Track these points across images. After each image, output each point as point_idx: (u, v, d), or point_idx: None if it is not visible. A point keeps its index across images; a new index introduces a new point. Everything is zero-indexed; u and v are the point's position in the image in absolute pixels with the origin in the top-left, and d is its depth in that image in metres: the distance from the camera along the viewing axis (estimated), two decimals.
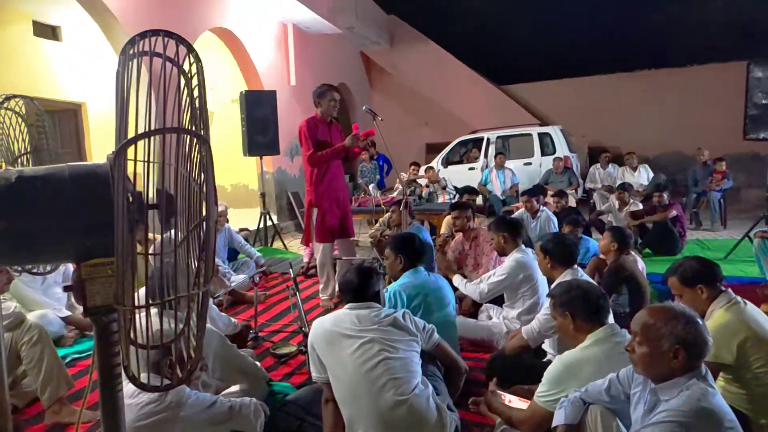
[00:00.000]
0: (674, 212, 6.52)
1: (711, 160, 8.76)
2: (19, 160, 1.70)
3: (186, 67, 0.92)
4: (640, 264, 4.35)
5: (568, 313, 2.28)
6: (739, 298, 2.42)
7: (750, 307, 2.39)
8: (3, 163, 1.70)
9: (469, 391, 2.85)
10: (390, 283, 3.81)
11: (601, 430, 1.89)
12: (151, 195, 0.96)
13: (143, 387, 0.88)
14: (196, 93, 0.88)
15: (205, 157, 0.84)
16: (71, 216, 0.86)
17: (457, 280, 3.90)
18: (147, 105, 0.85)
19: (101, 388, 0.92)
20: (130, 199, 0.88)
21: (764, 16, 11.49)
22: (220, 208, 5.35)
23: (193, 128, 0.84)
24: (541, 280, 3.57)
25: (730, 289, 2.46)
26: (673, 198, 6.90)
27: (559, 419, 1.97)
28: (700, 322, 1.69)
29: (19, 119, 1.71)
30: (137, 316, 0.89)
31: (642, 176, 9.25)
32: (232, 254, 5.78)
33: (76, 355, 3.65)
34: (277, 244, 7.76)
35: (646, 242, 6.57)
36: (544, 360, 3.08)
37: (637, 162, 9.38)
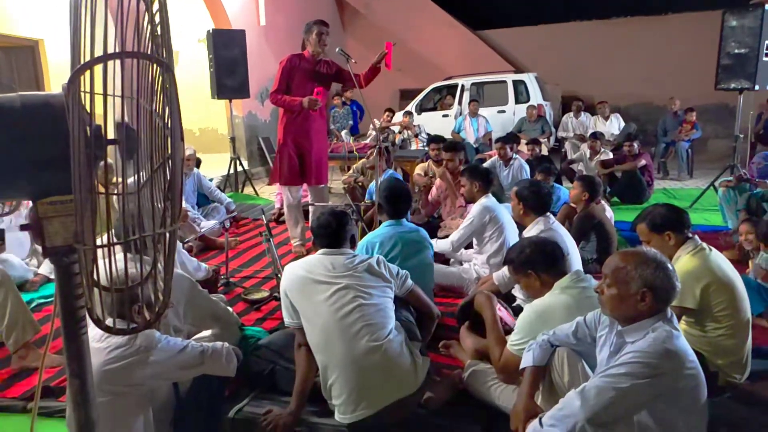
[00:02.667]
0: (643, 161, 6.61)
1: (681, 110, 8.85)
2: None
3: None
4: (609, 212, 4.43)
5: (531, 272, 2.32)
6: (705, 244, 2.47)
7: (714, 253, 2.46)
8: None
9: (441, 335, 2.90)
10: (363, 230, 3.82)
11: (567, 371, 1.95)
12: (111, 129, 0.90)
13: (109, 330, 0.84)
14: (157, 18, 0.81)
15: (170, 88, 0.78)
16: (24, 149, 0.79)
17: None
18: (104, 29, 0.78)
19: (64, 332, 0.88)
20: (88, 132, 0.82)
21: None
22: (187, 152, 5.19)
23: (156, 54, 0.78)
24: (508, 222, 3.62)
25: (696, 236, 2.52)
26: (642, 147, 6.98)
27: (527, 361, 2.01)
28: (670, 267, 1.72)
29: None
30: (100, 257, 0.84)
31: (613, 126, 9.31)
32: (202, 200, 5.68)
33: (42, 300, 3.59)
34: (248, 190, 7.66)
35: (614, 191, 6.68)
36: (514, 305, 3.14)
37: (609, 111, 9.41)
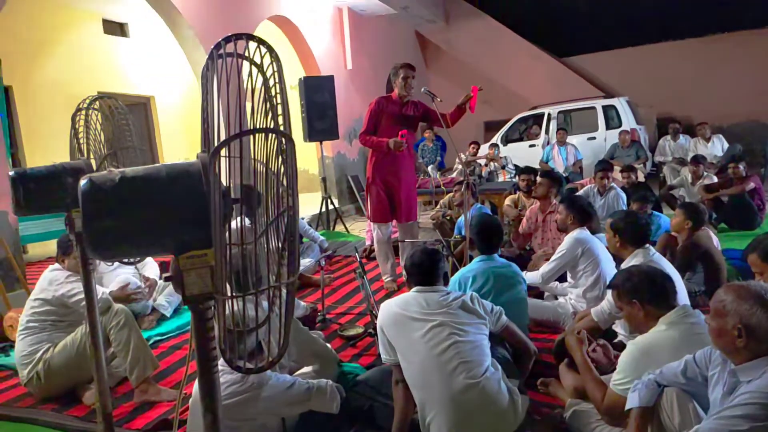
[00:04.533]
0: (752, 184, 6.18)
1: None
2: (107, 159, 1.82)
3: (265, 66, 0.96)
4: (715, 240, 4.18)
5: (635, 301, 2.23)
6: None
7: None
8: (94, 163, 1.82)
9: (538, 373, 2.84)
10: (454, 265, 3.84)
11: (677, 411, 1.86)
12: (233, 190, 1.02)
13: (239, 369, 0.94)
14: (277, 91, 0.93)
15: (289, 153, 0.88)
16: (169, 212, 0.92)
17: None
18: (236, 105, 0.91)
19: (200, 370, 0.99)
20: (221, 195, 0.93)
21: None
22: None
23: (279, 127, 0.88)
24: (603, 255, 3.51)
25: None
26: (750, 169, 6.53)
27: (633, 402, 1.94)
28: None
29: (105, 118, 1.83)
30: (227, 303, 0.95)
31: (716, 147, 8.78)
32: None
33: (158, 338, 3.88)
34: (339, 228, 7.90)
35: (721, 217, 6.28)
36: (615, 341, 3.02)
37: (710, 132, 8.89)
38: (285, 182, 0.93)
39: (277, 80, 0.95)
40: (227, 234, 1.03)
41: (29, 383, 3.00)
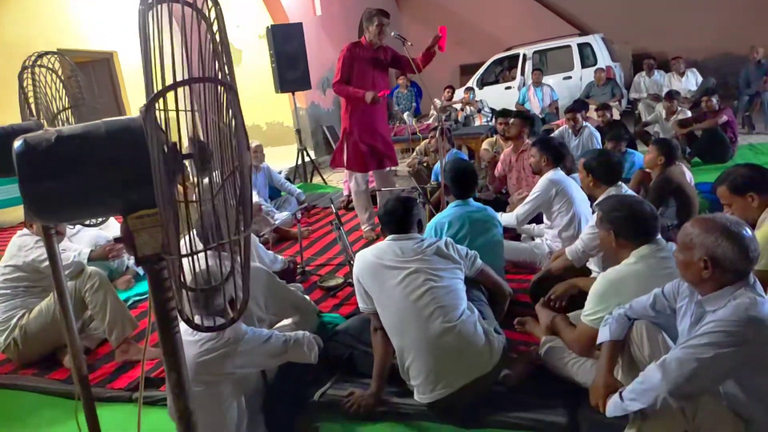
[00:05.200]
0: (725, 117, 6.22)
1: (765, 58, 8.21)
2: (59, 117, 1.74)
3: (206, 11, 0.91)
4: (688, 175, 4.22)
5: (611, 231, 2.25)
6: None
7: None
8: (45, 123, 1.74)
9: (514, 312, 2.90)
10: (431, 212, 3.85)
11: (647, 344, 1.91)
12: (185, 144, 0.97)
13: (197, 328, 0.92)
14: (218, 38, 0.87)
15: (233, 105, 0.84)
16: (111, 171, 0.88)
17: None
18: (171, 54, 0.85)
19: (160, 331, 0.97)
20: (166, 150, 0.89)
21: None
22: (253, 144, 5.39)
23: (219, 75, 0.84)
24: (578, 194, 3.53)
25: None
26: (723, 102, 6.55)
27: (604, 336, 1.99)
28: (744, 234, 1.63)
29: (53, 75, 1.74)
30: (185, 260, 0.92)
31: (690, 81, 8.78)
32: (274, 192, 5.88)
33: (137, 298, 3.85)
34: (316, 179, 7.84)
35: (694, 151, 6.34)
36: (591, 276, 3.08)
37: (685, 67, 8.87)
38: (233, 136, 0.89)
39: (219, 26, 0.90)
40: (180, 191, 0.99)
41: (7, 350, 2.98)
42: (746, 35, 9.73)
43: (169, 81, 0.84)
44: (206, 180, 0.97)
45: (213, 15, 0.89)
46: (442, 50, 4.24)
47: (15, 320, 2.95)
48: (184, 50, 0.91)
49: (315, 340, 2.25)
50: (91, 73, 8.59)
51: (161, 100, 0.85)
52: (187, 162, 0.96)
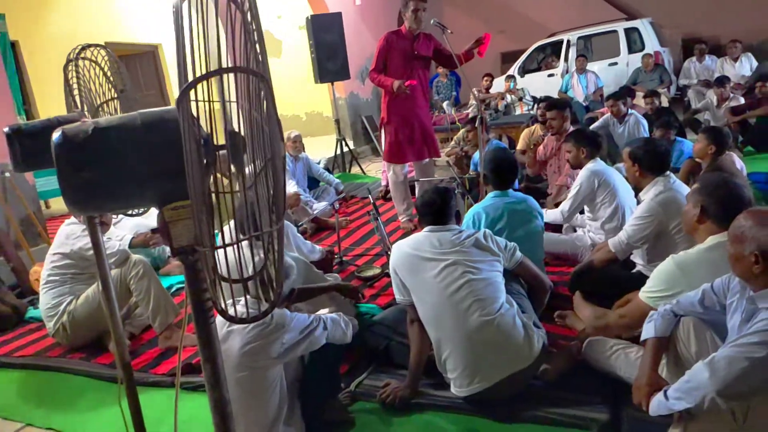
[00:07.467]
0: None
1: None
2: (103, 108, 1.78)
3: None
4: (739, 163, 4.04)
5: (701, 206, 2.12)
6: None
7: None
8: (89, 115, 1.78)
9: (555, 306, 2.84)
10: (467, 204, 3.80)
11: (693, 341, 1.84)
12: (221, 135, 0.97)
13: (232, 319, 0.93)
14: (251, 27, 0.86)
15: (266, 97, 0.83)
16: (148, 162, 0.89)
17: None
18: (205, 45, 0.85)
19: (195, 322, 0.98)
20: (201, 141, 0.89)
21: None
22: (293, 134, 5.43)
23: (253, 65, 0.83)
24: (621, 185, 3.43)
25: None
26: None
27: (648, 332, 1.92)
28: None
29: (96, 68, 1.77)
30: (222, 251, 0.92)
31: (744, 67, 8.36)
32: (312, 182, 5.92)
33: (180, 285, 3.93)
34: (355, 170, 7.84)
35: (747, 139, 6.06)
36: (633, 271, 2.98)
37: (740, 51, 8.46)
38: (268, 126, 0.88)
39: (253, 15, 0.89)
40: (216, 182, 0.99)
41: (56, 334, 3.10)
42: None
43: (203, 72, 0.84)
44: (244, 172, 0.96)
45: (247, 4, 0.88)
46: (481, 56, 4.24)
47: (63, 306, 3.06)
48: (218, 41, 0.91)
49: (350, 321, 2.26)
50: (137, 65, 8.82)
51: (200, 90, 0.85)
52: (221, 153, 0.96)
